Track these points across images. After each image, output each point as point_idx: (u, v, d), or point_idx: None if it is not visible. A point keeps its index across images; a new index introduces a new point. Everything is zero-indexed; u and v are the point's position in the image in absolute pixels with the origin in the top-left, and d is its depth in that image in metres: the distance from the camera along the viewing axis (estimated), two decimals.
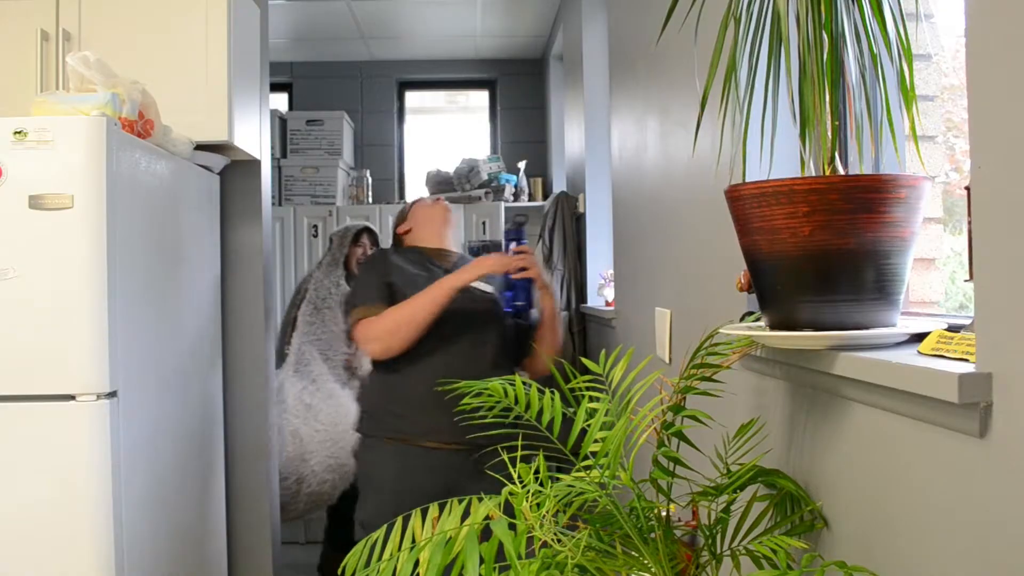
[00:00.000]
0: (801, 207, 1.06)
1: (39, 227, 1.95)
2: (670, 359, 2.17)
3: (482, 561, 0.96)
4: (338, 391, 3.44)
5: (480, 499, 1.11)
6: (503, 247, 4.39)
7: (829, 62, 1.10)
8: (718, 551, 1.23)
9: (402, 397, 2.41)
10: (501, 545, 0.98)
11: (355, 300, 2.47)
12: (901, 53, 1.07)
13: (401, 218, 2.73)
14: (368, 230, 3.70)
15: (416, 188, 5.49)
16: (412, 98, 5.67)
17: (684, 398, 1.29)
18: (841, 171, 1.13)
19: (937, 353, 0.98)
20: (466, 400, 1.38)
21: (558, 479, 1.18)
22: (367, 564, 1.08)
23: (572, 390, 1.38)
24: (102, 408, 1.96)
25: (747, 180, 1.20)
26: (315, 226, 4.45)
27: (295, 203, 4.60)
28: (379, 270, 2.49)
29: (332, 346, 3.51)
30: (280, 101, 5.41)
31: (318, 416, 3.35)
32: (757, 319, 1.38)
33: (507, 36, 5.08)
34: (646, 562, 1.17)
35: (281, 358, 3.44)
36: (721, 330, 1.31)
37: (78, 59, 2.14)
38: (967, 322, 1.11)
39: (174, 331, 2.42)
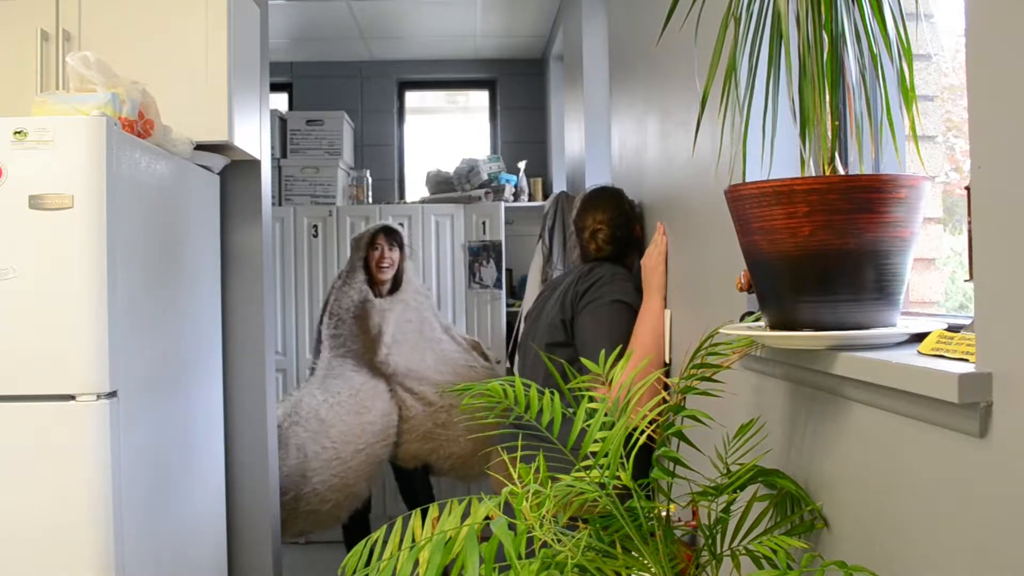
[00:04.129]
0: (801, 207, 1.06)
1: (39, 227, 1.95)
2: (670, 359, 2.17)
3: (482, 561, 0.96)
4: (367, 406, 3.24)
5: (480, 499, 1.11)
6: (502, 247, 4.41)
7: (829, 62, 1.10)
8: (718, 551, 1.23)
9: None
10: (501, 545, 0.98)
11: None
12: (901, 53, 1.07)
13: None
14: (385, 230, 3.48)
15: (416, 188, 5.49)
16: (412, 98, 5.67)
17: (684, 398, 1.29)
18: (841, 171, 1.13)
19: (937, 353, 0.98)
20: (467, 401, 1.38)
21: (558, 479, 1.18)
22: (367, 564, 1.08)
23: (572, 390, 1.38)
24: (102, 408, 1.96)
25: (747, 180, 1.20)
26: (315, 226, 4.45)
27: (295, 203, 4.60)
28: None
29: (363, 355, 3.35)
30: (280, 101, 5.41)
31: (329, 432, 3.16)
32: (757, 319, 1.38)
33: (507, 36, 5.07)
34: (646, 562, 1.17)
35: (312, 373, 3.33)
36: (721, 330, 1.31)
37: (78, 59, 2.14)
38: (967, 322, 1.11)
39: (174, 331, 2.42)
